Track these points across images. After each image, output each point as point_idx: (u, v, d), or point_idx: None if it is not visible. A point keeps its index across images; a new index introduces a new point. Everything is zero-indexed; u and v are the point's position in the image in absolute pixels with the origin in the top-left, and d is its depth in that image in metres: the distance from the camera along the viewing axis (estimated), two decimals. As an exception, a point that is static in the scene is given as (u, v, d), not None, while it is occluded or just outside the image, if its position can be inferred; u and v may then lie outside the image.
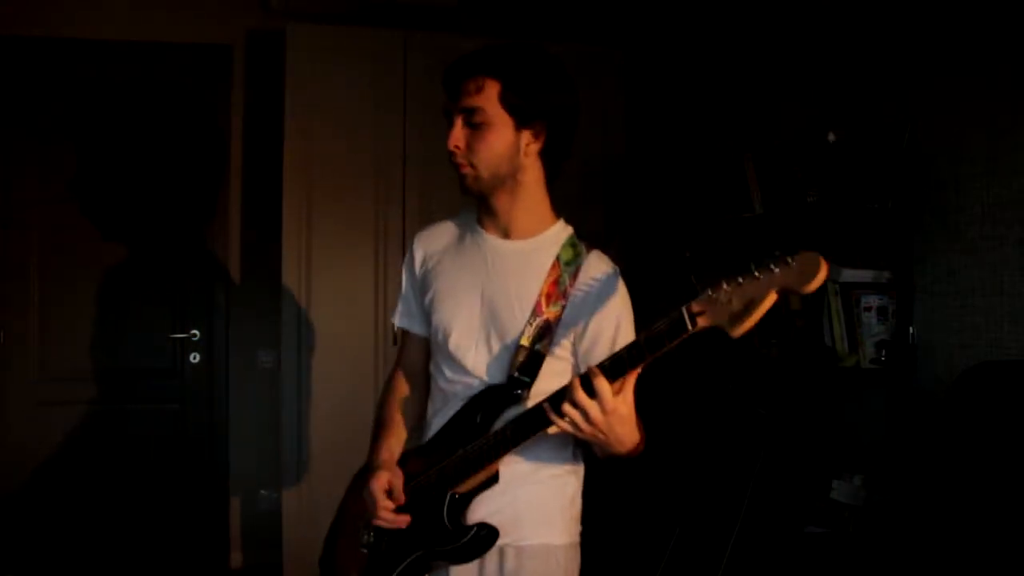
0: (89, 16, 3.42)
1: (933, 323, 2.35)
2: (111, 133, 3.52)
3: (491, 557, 1.47)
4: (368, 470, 1.56)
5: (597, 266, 1.52)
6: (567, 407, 1.28)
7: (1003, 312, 2.16)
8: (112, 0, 3.44)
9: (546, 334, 1.46)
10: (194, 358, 3.58)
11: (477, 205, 1.56)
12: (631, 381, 1.29)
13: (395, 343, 3.06)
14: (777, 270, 1.12)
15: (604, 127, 3.42)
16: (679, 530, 2.80)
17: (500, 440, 1.41)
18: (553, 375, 1.47)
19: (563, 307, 1.47)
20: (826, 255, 1.11)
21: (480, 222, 1.57)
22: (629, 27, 3.67)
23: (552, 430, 1.35)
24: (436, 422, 1.55)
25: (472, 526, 1.45)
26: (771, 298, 1.13)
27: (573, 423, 1.29)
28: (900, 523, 2.21)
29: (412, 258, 1.64)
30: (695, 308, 1.20)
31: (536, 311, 1.47)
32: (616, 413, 1.28)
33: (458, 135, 1.46)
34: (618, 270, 1.53)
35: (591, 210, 3.30)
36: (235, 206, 3.63)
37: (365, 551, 1.56)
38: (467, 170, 1.48)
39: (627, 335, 1.47)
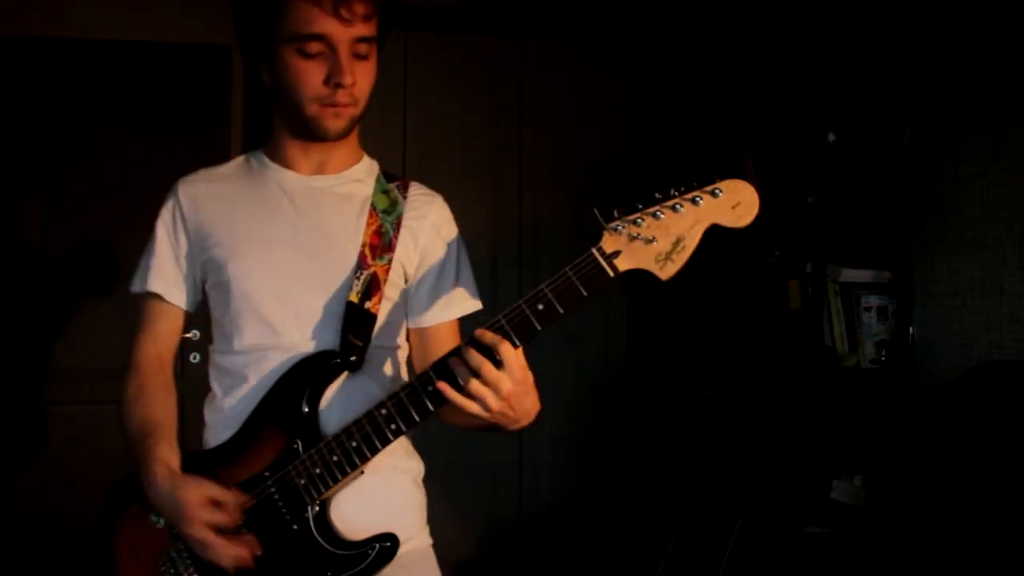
0: (88, 16, 3.41)
1: (933, 323, 2.35)
2: (110, 133, 3.51)
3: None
4: (155, 493, 1.18)
5: (419, 204, 1.32)
6: (476, 385, 1.02)
7: (1003, 312, 2.16)
8: (111, 0, 3.44)
9: (375, 291, 1.22)
10: (194, 358, 3.58)
11: (279, 142, 1.29)
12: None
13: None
14: (703, 202, 1.01)
15: (604, 127, 3.42)
16: (679, 530, 2.80)
17: (375, 429, 1.10)
18: (387, 337, 1.27)
19: (390, 260, 1.24)
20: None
21: (281, 159, 1.30)
22: (629, 27, 3.67)
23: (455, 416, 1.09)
24: (230, 408, 1.28)
25: (367, 541, 1.15)
26: (700, 235, 1.02)
27: (483, 402, 1.02)
28: (900, 523, 2.21)
29: (178, 207, 1.30)
30: (608, 247, 1.02)
31: (361, 263, 1.23)
32: (526, 383, 1.06)
33: (354, 70, 1.19)
34: (440, 197, 1.36)
35: (591, 210, 3.28)
36: (235, 206, 3.63)
37: None
38: (352, 111, 1.22)
39: (467, 273, 1.32)
